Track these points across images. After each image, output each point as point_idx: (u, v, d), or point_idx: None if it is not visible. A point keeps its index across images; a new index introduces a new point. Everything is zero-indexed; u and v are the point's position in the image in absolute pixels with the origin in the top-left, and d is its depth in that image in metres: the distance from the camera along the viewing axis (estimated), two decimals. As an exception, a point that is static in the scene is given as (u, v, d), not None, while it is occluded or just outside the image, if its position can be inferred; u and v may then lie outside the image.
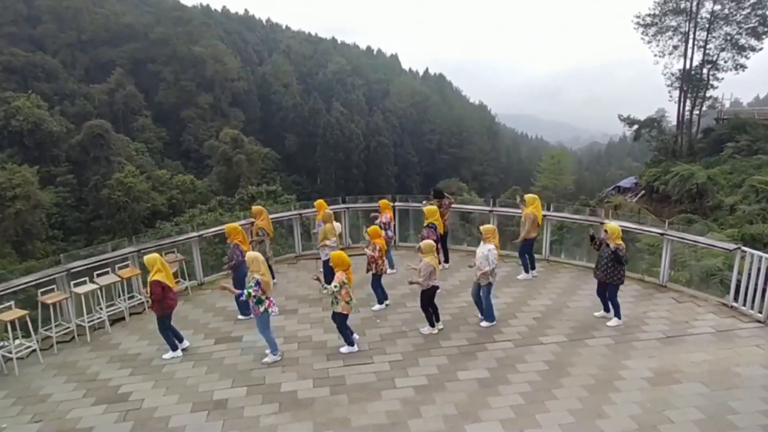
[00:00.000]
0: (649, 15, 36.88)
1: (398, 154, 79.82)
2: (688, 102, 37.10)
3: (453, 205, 12.34)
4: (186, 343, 8.22)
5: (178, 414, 6.55)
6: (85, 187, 47.09)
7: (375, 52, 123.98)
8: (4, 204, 35.71)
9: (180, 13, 76.37)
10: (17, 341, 7.77)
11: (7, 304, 7.94)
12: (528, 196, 10.69)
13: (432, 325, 8.50)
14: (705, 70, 36.27)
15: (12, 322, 7.62)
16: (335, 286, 7.46)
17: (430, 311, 8.46)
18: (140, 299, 9.76)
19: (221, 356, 7.95)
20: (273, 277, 10.44)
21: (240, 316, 9.25)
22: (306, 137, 75.25)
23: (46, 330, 8.38)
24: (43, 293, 8.40)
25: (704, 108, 37.77)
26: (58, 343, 8.38)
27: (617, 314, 8.65)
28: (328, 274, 9.04)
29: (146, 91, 67.85)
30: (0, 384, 7.41)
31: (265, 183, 42.03)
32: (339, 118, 75.10)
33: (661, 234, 10.31)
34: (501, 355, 7.76)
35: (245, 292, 7.41)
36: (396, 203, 12.89)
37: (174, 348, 8.03)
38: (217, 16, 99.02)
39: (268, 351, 7.78)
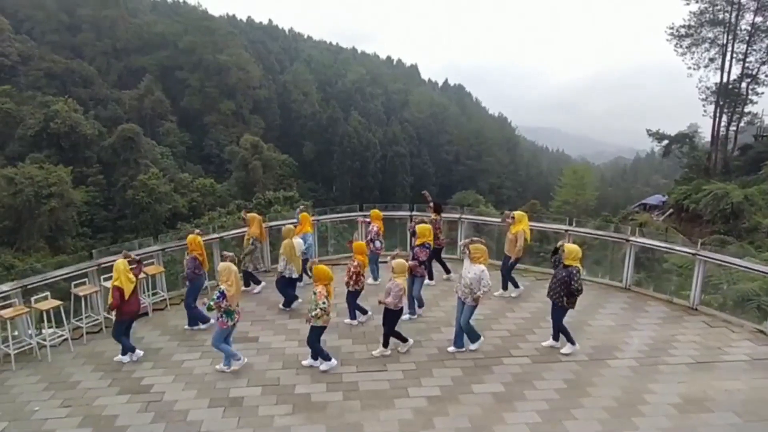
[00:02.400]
0: (683, 26, 35.61)
1: (415, 164, 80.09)
2: (724, 117, 35.50)
3: (468, 217, 12.43)
4: (139, 353, 8.15)
5: (196, 408, 6.74)
6: (114, 187, 48.65)
7: (395, 62, 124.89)
8: (41, 201, 37.28)
9: (207, 23, 78.19)
10: (50, 330, 8.24)
11: (43, 294, 8.41)
12: (517, 213, 10.30)
13: (405, 339, 8.24)
14: (744, 84, 34.76)
15: (47, 312, 8.10)
16: (323, 303, 7.40)
17: (398, 331, 8.17)
18: (163, 296, 10.20)
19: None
20: (258, 283, 10.76)
21: (186, 327, 9.15)
22: (323, 145, 76.00)
23: (77, 320, 8.82)
24: (75, 285, 8.89)
25: (742, 124, 36.08)
26: (87, 333, 8.80)
27: (568, 339, 8.13)
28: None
29: (173, 97, 69.72)
30: (34, 369, 7.84)
31: (282, 189, 42.77)
32: (357, 127, 75.76)
33: (693, 254, 9.87)
34: (517, 371, 7.59)
35: (209, 303, 7.43)
36: (413, 213, 12.99)
37: (125, 353, 8.08)
38: (242, 26, 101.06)
39: (222, 363, 7.70)
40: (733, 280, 11.61)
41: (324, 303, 7.42)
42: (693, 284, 9.88)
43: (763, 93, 34.81)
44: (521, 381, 7.34)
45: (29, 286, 8.52)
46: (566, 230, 11.50)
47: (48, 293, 8.47)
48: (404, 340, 8.24)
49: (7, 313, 7.81)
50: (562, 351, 8.10)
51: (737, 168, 33.44)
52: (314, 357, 7.77)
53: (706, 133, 40.03)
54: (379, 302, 7.97)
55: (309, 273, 10.83)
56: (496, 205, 56.34)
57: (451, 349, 8.20)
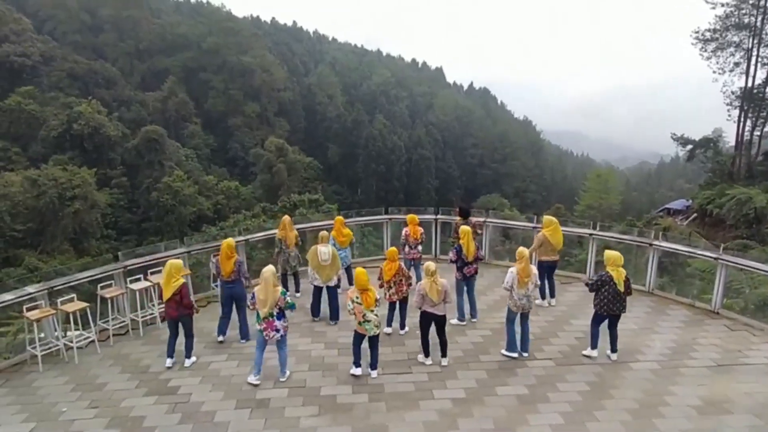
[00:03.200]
0: (708, 30, 35.55)
1: (439, 167, 79.85)
2: (748, 122, 35.41)
3: (494, 221, 12.30)
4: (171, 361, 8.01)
5: (223, 410, 6.77)
6: (138, 189, 49.04)
7: (420, 65, 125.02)
8: (64, 203, 37.51)
9: (231, 24, 78.95)
10: (77, 332, 8.25)
11: (69, 296, 8.43)
12: (545, 218, 10.32)
13: (426, 354, 7.96)
14: None
15: (73, 314, 8.09)
16: (348, 305, 7.42)
17: (427, 338, 7.93)
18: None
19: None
20: (297, 290, 10.57)
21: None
22: (348, 148, 76.21)
23: (103, 322, 8.85)
24: (102, 287, 8.91)
25: (766, 129, 35.92)
26: (113, 335, 8.82)
27: (592, 344, 8.20)
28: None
29: (196, 99, 70.26)
30: (62, 370, 7.88)
31: (307, 192, 42.84)
32: (382, 129, 75.76)
33: (715, 258, 9.95)
34: (541, 373, 7.65)
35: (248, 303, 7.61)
36: (438, 216, 12.99)
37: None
38: (266, 27, 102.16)
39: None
40: (755, 284, 11.78)
41: (350, 305, 7.36)
42: (715, 288, 9.98)
43: (788, 98, 34.51)
44: (545, 383, 7.39)
45: (55, 288, 8.57)
46: (590, 234, 11.64)
47: (74, 295, 8.50)
48: (426, 353, 7.99)
49: (33, 314, 7.83)
50: (584, 353, 8.21)
51: (761, 173, 33.41)
52: (355, 364, 7.66)
53: (730, 138, 40.53)
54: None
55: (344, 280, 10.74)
56: (521, 209, 56.00)
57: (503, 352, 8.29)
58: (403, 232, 10.77)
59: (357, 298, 7.32)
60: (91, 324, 8.41)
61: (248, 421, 6.55)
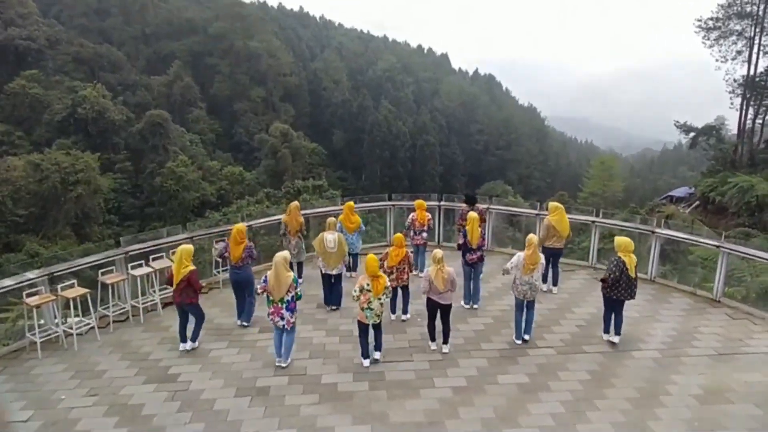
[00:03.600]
0: (711, 18, 35.71)
1: (444, 153, 79.35)
2: (750, 110, 35.62)
3: (498, 207, 12.24)
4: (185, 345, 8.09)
5: (222, 398, 6.77)
6: (141, 174, 48.75)
7: (425, 51, 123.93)
8: (67, 188, 37.27)
9: (238, 9, 78.02)
10: (77, 318, 8.21)
11: (69, 282, 8.39)
12: (550, 205, 10.23)
13: (432, 338, 8.02)
14: None
15: (74, 300, 8.05)
16: (354, 291, 7.36)
17: (434, 324, 7.97)
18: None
19: (265, 345, 8.13)
20: (300, 276, 10.44)
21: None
22: (353, 134, 75.80)
23: (103, 309, 8.82)
24: (103, 273, 8.86)
25: None
26: (114, 322, 8.80)
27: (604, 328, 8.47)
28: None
29: (202, 83, 69.79)
30: (60, 357, 7.86)
31: (312, 177, 42.64)
32: (387, 115, 75.23)
33: (717, 246, 9.92)
34: (542, 362, 7.65)
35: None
36: (442, 202, 12.90)
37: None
38: (272, 12, 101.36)
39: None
40: (757, 273, 11.76)
41: (356, 292, 7.32)
42: (716, 276, 9.96)
43: (790, 86, 34.57)
44: (546, 372, 7.40)
45: (56, 274, 8.54)
46: (593, 221, 11.58)
47: (75, 281, 8.45)
48: (432, 338, 8.04)
49: (33, 300, 7.79)
50: (605, 337, 8.36)
51: (763, 161, 33.44)
52: (363, 355, 7.62)
53: (732, 126, 40.84)
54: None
55: (351, 267, 10.73)
56: (525, 195, 55.71)
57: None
58: (410, 217, 10.76)
59: (368, 285, 7.28)
60: (92, 310, 8.38)
61: (248, 409, 6.55)
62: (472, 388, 6.95)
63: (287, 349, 7.53)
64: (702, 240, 10.49)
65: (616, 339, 8.15)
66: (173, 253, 9.73)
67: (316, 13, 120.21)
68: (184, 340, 8.01)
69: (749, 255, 9.85)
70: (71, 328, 8.10)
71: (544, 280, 10.08)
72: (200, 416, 6.42)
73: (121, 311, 9.02)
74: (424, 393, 6.84)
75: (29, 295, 7.90)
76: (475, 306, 9.47)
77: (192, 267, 7.73)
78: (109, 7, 71.30)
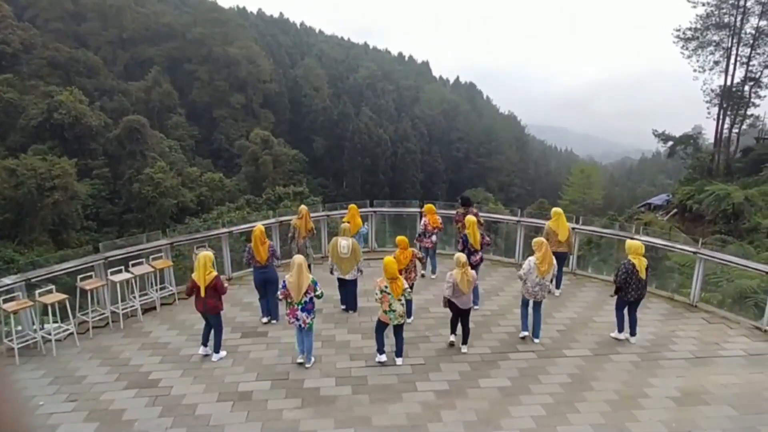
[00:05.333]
0: (690, 29, 36.10)
1: (425, 161, 79.75)
2: (727, 120, 36.07)
3: (479, 214, 12.40)
4: (203, 350, 8.06)
5: (204, 403, 6.73)
6: (119, 180, 47.98)
7: (406, 59, 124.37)
8: (43, 194, 36.57)
9: (217, 15, 77.59)
10: (55, 324, 8.09)
11: (47, 288, 8.27)
12: (552, 210, 10.60)
13: (452, 331, 8.35)
14: (747, 88, 35.31)
15: (52, 306, 7.94)
16: (376, 293, 7.53)
17: (457, 321, 8.24)
18: (171, 290, 10.04)
19: (247, 350, 8.12)
20: None
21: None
22: (334, 141, 75.68)
23: (82, 315, 8.70)
24: (82, 279, 8.74)
25: (744, 126, 36.73)
26: (93, 328, 8.68)
27: (618, 327, 8.73)
28: None
29: (181, 89, 69.02)
30: (39, 363, 7.73)
31: (292, 184, 42.53)
32: (368, 123, 75.48)
33: (694, 252, 10.16)
34: (524, 366, 7.75)
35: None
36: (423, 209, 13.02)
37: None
38: (252, 18, 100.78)
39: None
40: (732, 278, 11.96)
41: (378, 294, 7.44)
42: (693, 282, 10.17)
43: (765, 96, 35.41)
44: (527, 376, 7.49)
45: (33, 280, 8.41)
46: (573, 228, 11.58)
47: (53, 287, 8.33)
48: (452, 331, 8.37)
49: (10, 306, 7.67)
50: (611, 335, 8.62)
51: (739, 169, 33.99)
52: (379, 351, 7.78)
53: (709, 135, 40.93)
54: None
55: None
56: (506, 203, 56.33)
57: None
58: (422, 223, 10.97)
59: (386, 287, 7.38)
60: (70, 316, 8.26)
61: (230, 414, 6.52)
62: (454, 392, 7.00)
63: (308, 350, 7.61)
64: (679, 246, 10.71)
65: (633, 340, 8.39)
66: (153, 260, 9.75)
67: (296, 20, 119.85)
68: (205, 343, 8.00)
69: (725, 261, 10.11)
70: (50, 334, 7.97)
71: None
72: (182, 421, 6.37)
73: (101, 317, 8.92)
74: (407, 397, 6.87)
75: (6, 300, 7.77)
76: (476, 307, 9.55)
77: (215, 272, 7.68)
78: (85, 11, 69.76)
